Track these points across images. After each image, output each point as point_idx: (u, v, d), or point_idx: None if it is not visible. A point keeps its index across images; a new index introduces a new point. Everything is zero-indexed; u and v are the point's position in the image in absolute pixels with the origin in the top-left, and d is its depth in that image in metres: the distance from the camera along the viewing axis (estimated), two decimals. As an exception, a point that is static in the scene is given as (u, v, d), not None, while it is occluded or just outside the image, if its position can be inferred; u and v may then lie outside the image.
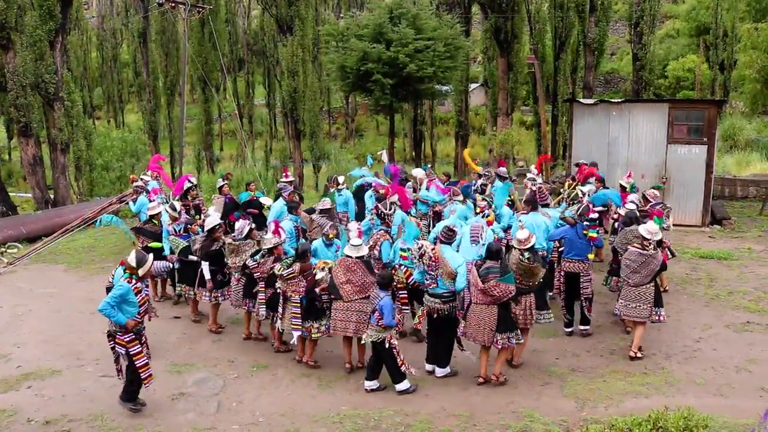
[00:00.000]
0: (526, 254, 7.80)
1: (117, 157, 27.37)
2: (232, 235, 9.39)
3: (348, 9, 41.13)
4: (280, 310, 8.31)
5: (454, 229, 8.27)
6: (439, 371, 8.03)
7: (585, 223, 9.15)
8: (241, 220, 9.51)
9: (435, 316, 7.88)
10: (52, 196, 20.97)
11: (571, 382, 7.77)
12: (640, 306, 8.32)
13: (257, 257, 8.53)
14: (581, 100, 17.22)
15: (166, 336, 9.57)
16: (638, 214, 9.82)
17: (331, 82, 26.96)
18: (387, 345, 7.41)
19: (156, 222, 10.70)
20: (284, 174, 14.19)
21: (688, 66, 39.60)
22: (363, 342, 7.98)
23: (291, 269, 8.03)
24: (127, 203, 14.46)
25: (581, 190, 11.42)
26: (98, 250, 15.15)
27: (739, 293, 10.83)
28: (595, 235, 9.02)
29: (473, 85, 41.52)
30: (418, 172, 13.64)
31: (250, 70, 47.28)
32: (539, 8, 31.81)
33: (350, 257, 7.96)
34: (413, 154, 31.18)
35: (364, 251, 8.09)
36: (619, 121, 15.57)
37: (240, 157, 36.16)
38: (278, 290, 8.27)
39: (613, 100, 16.54)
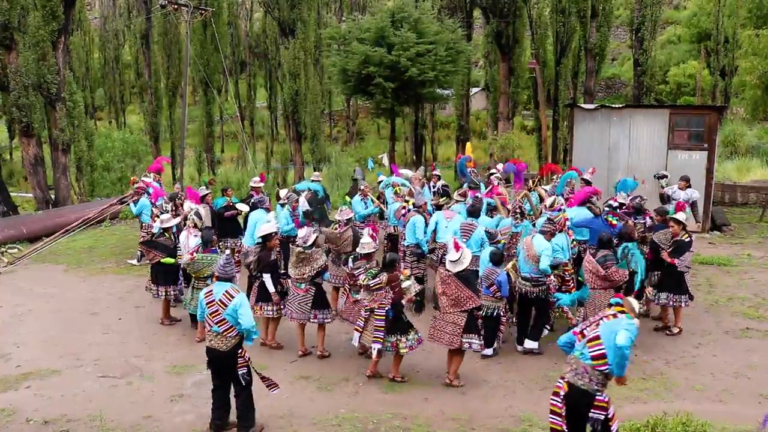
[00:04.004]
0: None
1: (118, 158, 27.39)
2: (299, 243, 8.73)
3: (350, 12, 41.14)
4: (360, 322, 7.98)
5: (553, 219, 9.18)
6: (529, 343, 8.75)
7: (606, 209, 10.05)
8: (305, 227, 8.98)
9: (526, 297, 8.78)
10: (52, 197, 20.98)
11: (569, 387, 7.76)
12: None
13: (361, 264, 8.13)
14: (582, 105, 17.25)
15: (165, 337, 9.59)
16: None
17: (332, 85, 26.98)
18: (497, 313, 8.38)
19: (168, 235, 10.04)
20: (260, 178, 13.76)
21: (689, 72, 39.61)
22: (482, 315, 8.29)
23: (378, 279, 7.70)
24: (128, 204, 14.48)
25: (544, 189, 11.73)
26: (99, 251, 15.18)
27: (739, 299, 10.83)
28: (615, 222, 9.71)
29: (474, 90, 41.53)
30: (407, 173, 13.84)
31: (251, 73, 47.31)
32: (541, 13, 31.83)
33: (449, 271, 7.62)
34: (414, 157, 31.16)
35: (462, 266, 7.56)
36: (619, 127, 15.60)
37: (241, 159, 36.14)
38: (363, 301, 7.96)
39: (613, 106, 16.57)
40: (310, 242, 8.55)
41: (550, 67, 30.23)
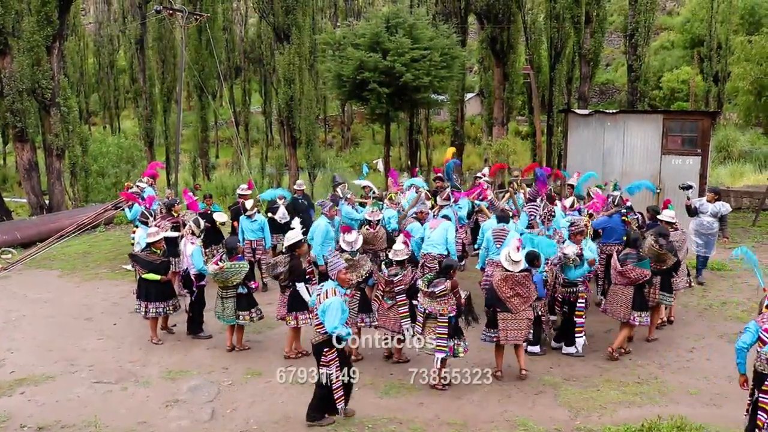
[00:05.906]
0: (661, 240, 8.94)
1: (112, 164, 27.40)
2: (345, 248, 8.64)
3: (345, 18, 41.31)
4: (418, 328, 7.93)
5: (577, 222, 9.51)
6: (565, 349, 8.95)
7: (623, 210, 10.43)
8: (353, 231, 8.83)
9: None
10: (47, 202, 20.91)
11: (564, 391, 7.79)
12: (683, 278, 9.94)
13: (397, 270, 8.26)
14: (576, 111, 17.31)
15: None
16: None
17: (327, 90, 27.02)
18: (537, 312, 8.40)
19: (155, 250, 9.43)
20: (247, 186, 13.56)
21: (682, 77, 39.89)
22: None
23: (443, 287, 7.59)
24: (123, 209, 14.45)
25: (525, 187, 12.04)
26: (93, 256, 15.15)
27: (732, 303, 10.88)
28: (630, 220, 10.34)
29: (469, 95, 41.66)
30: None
31: (246, 78, 47.37)
32: (535, 19, 32.02)
33: (513, 272, 7.85)
34: (409, 163, 31.21)
35: (524, 265, 7.95)
36: (613, 132, 15.67)
37: (236, 164, 36.16)
38: (420, 307, 7.84)
39: (607, 111, 16.64)
40: (357, 246, 8.71)
41: (545, 73, 30.40)
